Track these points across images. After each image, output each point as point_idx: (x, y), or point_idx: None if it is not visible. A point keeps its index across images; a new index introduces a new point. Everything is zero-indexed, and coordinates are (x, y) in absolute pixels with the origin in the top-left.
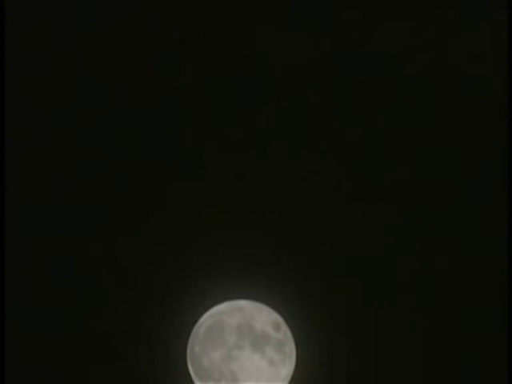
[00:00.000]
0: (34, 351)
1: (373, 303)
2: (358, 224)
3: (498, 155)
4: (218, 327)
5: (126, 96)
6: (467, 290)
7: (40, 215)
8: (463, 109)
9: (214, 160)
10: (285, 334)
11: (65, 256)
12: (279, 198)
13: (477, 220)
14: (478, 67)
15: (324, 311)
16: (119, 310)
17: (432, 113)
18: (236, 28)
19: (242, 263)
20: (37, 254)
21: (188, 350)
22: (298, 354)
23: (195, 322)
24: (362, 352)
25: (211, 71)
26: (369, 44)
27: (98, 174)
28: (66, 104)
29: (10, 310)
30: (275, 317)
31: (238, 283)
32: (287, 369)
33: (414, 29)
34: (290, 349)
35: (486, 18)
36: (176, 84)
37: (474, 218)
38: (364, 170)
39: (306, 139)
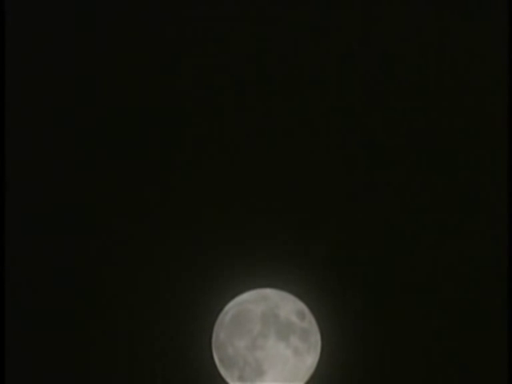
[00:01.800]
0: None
1: (399, 292)
2: (380, 214)
3: (498, 155)
4: (243, 316)
5: (126, 96)
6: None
7: (52, 215)
8: (463, 108)
9: (238, 151)
10: (309, 323)
11: (86, 247)
12: (303, 187)
13: (477, 220)
14: (477, 67)
15: (349, 300)
16: (146, 299)
17: (432, 112)
18: (236, 27)
19: (267, 252)
20: (56, 253)
21: (213, 338)
22: (322, 343)
23: (220, 310)
24: (387, 340)
25: (212, 71)
26: (368, 44)
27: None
28: (66, 104)
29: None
30: (300, 305)
31: (263, 272)
32: (312, 358)
33: (414, 29)
34: (315, 338)
35: (486, 18)
36: (176, 84)
37: (473, 218)
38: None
39: (308, 138)
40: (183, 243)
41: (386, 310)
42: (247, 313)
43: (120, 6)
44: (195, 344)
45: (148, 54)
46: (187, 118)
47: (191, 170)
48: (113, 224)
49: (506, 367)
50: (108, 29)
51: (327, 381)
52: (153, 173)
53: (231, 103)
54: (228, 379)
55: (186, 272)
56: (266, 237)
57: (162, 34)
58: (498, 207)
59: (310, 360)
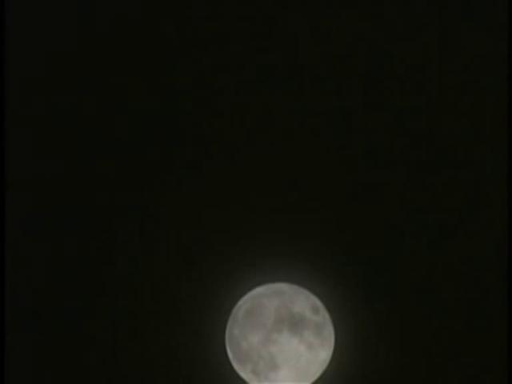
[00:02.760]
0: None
1: (414, 287)
2: (394, 209)
3: (498, 155)
4: (256, 310)
5: (126, 96)
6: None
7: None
8: (463, 108)
9: (249, 145)
10: (323, 318)
11: (100, 240)
12: (318, 181)
13: (477, 220)
14: (478, 67)
15: (363, 295)
16: (159, 294)
17: (432, 112)
18: (236, 27)
19: (280, 246)
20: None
21: (227, 333)
22: (336, 338)
23: (234, 304)
24: (401, 335)
25: (211, 71)
26: (368, 43)
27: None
28: (66, 104)
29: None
30: (314, 300)
31: (276, 266)
32: (326, 352)
33: (414, 29)
34: (329, 332)
35: (486, 18)
36: (176, 84)
37: (473, 218)
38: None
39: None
40: (196, 238)
41: (402, 305)
42: (261, 307)
43: (120, 6)
44: (208, 338)
45: (148, 54)
46: (187, 117)
47: (200, 165)
48: (123, 220)
49: (506, 367)
50: (108, 29)
51: (341, 376)
52: (163, 168)
53: (232, 103)
54: (241, 373)
55: (199, 267)
56: (279, 231)
57: (162, 34)
58: (498, 207)
59: (323, 355)
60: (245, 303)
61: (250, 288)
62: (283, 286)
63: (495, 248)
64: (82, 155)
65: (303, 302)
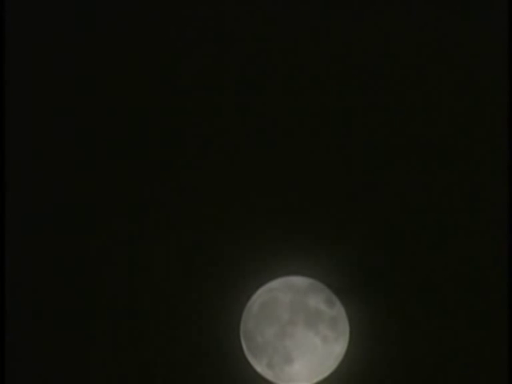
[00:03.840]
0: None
1: (429, 280)
2: (410, 201)
3: (498, 155)
4: (271, 304)
5: (126, 96)
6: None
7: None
8: (463, 108)
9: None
10: (338, 311)
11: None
12: (327, 176)
13: (477, 220)
14: (478, 67)
15: (378, 287)
16: (173, 289)
17: (433, 112)
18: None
19: (295, 240)
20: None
21: (241, 327)
22: (351, 331)
23: (248, 298)
24: (416, 329)
25: (212, 70)
26: (367, 43)
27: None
28: (66, 104)
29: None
30: (329, 293)
31: (291, 259)
32: (341, 346)
33: (414, 28)
34: (344, 326)
35: (486, 18)
36: (177, 84)
37: (473, 218)
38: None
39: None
40: (210, 233)
41: (417, 299)
42: (275, 301)
43: (120, 6)
44: (223, 332)
45: (149, 51)
46: (187, 117)
47: (215, 159)
48: (135, 216)
49: (506, 367)
50: (108, 28)
51: (355, 369)
52: (176, 163)
53: (232, 103)
54: (256, 367)
55: (213, 262)
56: (294, 224)
57: (162, 31)
58: (498, 207)
59: (338, 348)
60: (259, 297)
61: (265, 282)
62: (298, 280)
63: (495, 248)
64: (82, 155)
65: (318, 295)
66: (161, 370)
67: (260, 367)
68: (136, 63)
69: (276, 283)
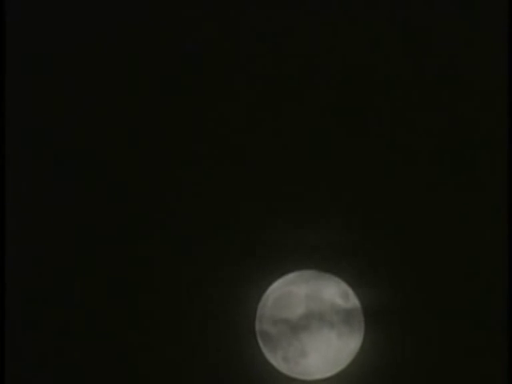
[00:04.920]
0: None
1: (444, 275)
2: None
3: (498, 155)
4: (286, 298)
5: (126, 96)
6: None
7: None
8: (463, 108)
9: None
10: (353, 305)
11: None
12: (344, 172)
13: (477, 220)
14: (477, 67)
15: (393, 282)
16: (188, 282)
17: (434, 112)
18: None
19: (310, 234)
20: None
21: (257, 321)
22: (366, 325)
23: (264, 292)
24: (431, 324)
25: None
26: (367, 43)
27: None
28: (66, 104)
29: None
30: (344, 287)
31: (306, 253)
32: (355, 340)
33: (415, 28)
34: (359, 320)
35: (486, 18)
36: (183, 84)
37: (472, 219)
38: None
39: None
40: (226, 226)
41: (432, 292)
42: (291, 295)
43: (120, 6)
44: (238, 326)
45: (153, 49)
46: (187, 117)
47: (230, 154)
48: (152, 211)
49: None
50: (108, 28)
51: (370, 363)
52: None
53: (232, 102)
54: (271, 360)
55: (229, 254)
56: (309, 219)
57: (166, 29)
58: (498, 207)
59: (353, 342)
60: (274, 291)
61: (280, 276)
62: (313, 274)
63: (495, 248)
64: (83, 155)
65: (333, 289)
66: (177, 362)
67: (275, 361)
68: (137, 64)
69: (291, 277)
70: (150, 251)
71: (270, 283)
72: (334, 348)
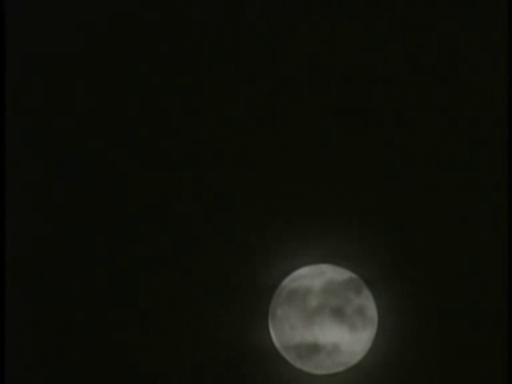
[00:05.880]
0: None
1: (444, 274)
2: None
3: (498, 155)
4: (299, 291)
5: (126, 96)
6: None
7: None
8: (463, 108)
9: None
10: (366, 299)
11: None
12: (356, 166)
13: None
14: (477, 67)
15: (406, 275)
16: (201, 277)
17: (433, 112)
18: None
19: (323, 227)
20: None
21: (270, 315)
22: (379, 319)
23: (276, 286)
24: (444, 317)
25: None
26: (367, 43)
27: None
28: (66, 103)
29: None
30: (357, 281)
31: (319, 247)
32: (368, 333)
33: (414, 28)
34: (372, 313)
35: (486, 18)
36: (183, 84)
37: (472, 219)
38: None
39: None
40: (239, 220)
41: (445, 287)
42: (304, 289)
43: (120, 6)
44: (251, 320)
45: (154, 48)
46: (187, 117)
47: (243, 148)
48: (164, 206)
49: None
50: (108, 28)
51: (383, 356)
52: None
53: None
54: (284, 354)
55: (242, 249)
56: (322, 212)
57: (163, 34)
58: (498, 207)
59: (366, 336)
60: (287, 285)
61: (293, 270)
62: (325, 267)
63: (495, 248)
64: (83, 155)
65: (346, 283)
66: (190, 357)
67: (288, 355)
68: (136, 63)
69: (304, 271)
70: (150, 251)
71: (283, 277)
72: (346, 342)
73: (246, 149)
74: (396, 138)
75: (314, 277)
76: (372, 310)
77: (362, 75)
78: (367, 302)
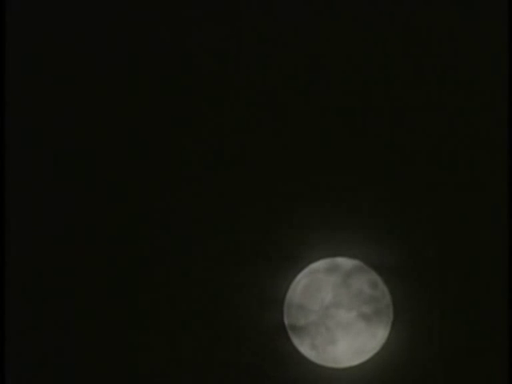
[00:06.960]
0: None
1: (444, 274)
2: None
3: (498, 156)
4: (314, 285)
5: (126, 96)
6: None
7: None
8: (463, 108)
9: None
10: (382, 293)
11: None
12: (370, 160)
13: (476, 219)
14: (477, 67)
15: (423, 270)
16: (217, 269)
17: (434, 112)
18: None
19: (339, 221)
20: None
21: (285, 308)
22: (394, 313)
23: (292, 279)
24: (460, 312)
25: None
26: (367, 43)
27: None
28: (66, 104)
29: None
30: (373, 275)
31: (335, 241)
32: (383, 327)
33: (413, 28)
34: (387, 307)
35: (486, 18)
36: (183, 84)
37: (472, 219)
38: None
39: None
40: (254, 215)
41: (461, 282)
42: (319, 282)
43: (120, 6)
44: (267, 313)
45: (155, 48)
46: (187, 117)
47: (256, 146)
48: (164, 206)
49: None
50: (108, 28)
51: (398, 351)
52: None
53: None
54: (299, 347)
55: (258, 242)
56: (338, 206)
57: (163, 34)
58: (498, 207)
59: (381, 330)
60: (303, 278)
61: (308, 263)
62: (341, 261)
63: (495, 248)
64: (83, 155)
65: (362, 276)
66: (205, 350)
67: (303, 348)
68: (136, 63)
69: (319, 264)
70: (150, 251)
71: (298, 271)
72: (362, 336)
73: (246, 149)
74: (396, 138)
75: (330, 270)
76: (388, 304)
77: (362, 75)
78: (383, 297)
